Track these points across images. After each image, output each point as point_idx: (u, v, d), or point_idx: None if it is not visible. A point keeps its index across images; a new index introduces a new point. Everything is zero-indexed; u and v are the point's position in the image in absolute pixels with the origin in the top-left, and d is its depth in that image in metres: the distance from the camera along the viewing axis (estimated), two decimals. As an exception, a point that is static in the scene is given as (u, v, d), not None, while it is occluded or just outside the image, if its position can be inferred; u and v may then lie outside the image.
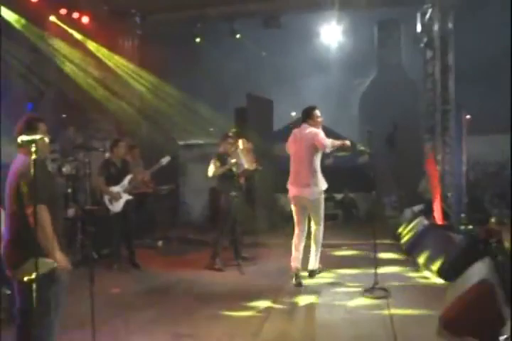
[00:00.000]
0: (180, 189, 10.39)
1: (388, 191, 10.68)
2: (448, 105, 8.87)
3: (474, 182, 10.30)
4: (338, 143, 5.76)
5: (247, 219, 7.57)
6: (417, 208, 8.93)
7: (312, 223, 5.83)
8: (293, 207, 5.84)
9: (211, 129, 11.82)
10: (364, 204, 11.10)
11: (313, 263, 5.97)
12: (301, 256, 5.81)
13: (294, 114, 15.62)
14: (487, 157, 12.05)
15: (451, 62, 8.81)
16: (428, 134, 9.81)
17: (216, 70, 12.97)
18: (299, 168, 5.71)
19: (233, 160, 6.66)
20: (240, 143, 7.07)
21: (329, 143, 5.64)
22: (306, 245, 5.97)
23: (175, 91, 10.47)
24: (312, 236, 5.86)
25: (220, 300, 5.27)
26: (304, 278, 5.95)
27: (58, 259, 3.14)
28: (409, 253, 7.02)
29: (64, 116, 8.10)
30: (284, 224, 9.91)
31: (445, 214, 8.17)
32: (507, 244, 5.62)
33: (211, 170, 6.62)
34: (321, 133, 5.67)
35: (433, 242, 6.63)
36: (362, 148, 6.32)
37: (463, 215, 8.16)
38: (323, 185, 5.71)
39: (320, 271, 6.07)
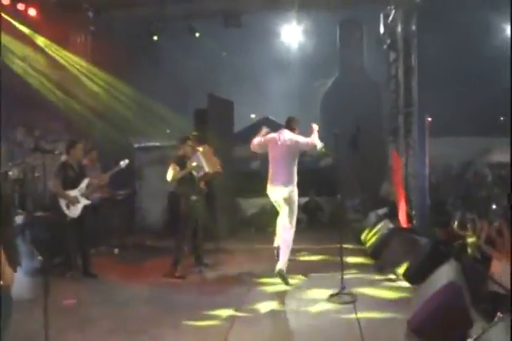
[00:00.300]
0: (137, 193, 10.21)
1: (351, 194, 10.64)
2: (411, 107, 8.92)
3: (437, 185, 10.35)
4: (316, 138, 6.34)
5: (208, 225, 7.53)
6: (381, 211, 9.04)
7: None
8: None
9: (168, 131, 11.72)
10: (328, 208, 11.14)
11: (284, 263, 6.12)
12: None
13: (253, 116, 15.81)
14: (449, 159, 12.23)
15: (414, 64, 8.87)
16: (391, 136, 9.96)
17: (175, 69, 12.85)
18: (278, 169, 6.23)
19: (194, 164, 6.68)
20: (201, 148, 7.11)
21: (316, 141, 6.29)
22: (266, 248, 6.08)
23: (130, 91, 10.34)
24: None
25: (181, 309, 5.23)
26: (269, 284, 6.03)
27: (5, 275, 3.06)
28: (375, 257, 7.11)
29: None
30: (245, 229, 10.26)
31: (409, 217, 8.31)
32: (470, 247, 5.82)
33: (170, 174, 6.60)
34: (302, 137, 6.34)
35: (398, 246, 6.73)
36: (323, 150, 6.45)
37: (427, 218, 8.19)
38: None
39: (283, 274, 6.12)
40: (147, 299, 5.65)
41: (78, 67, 10.01)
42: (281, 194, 6.20)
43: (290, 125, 6.41)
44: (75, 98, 9.70)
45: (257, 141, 6.42)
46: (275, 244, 6.38)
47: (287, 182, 6.16)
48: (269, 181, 6.28)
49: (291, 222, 6.21)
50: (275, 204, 6.39)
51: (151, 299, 5.65)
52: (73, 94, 9.71)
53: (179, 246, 6.64)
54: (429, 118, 8.92)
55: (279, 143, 6.26)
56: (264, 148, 6.37)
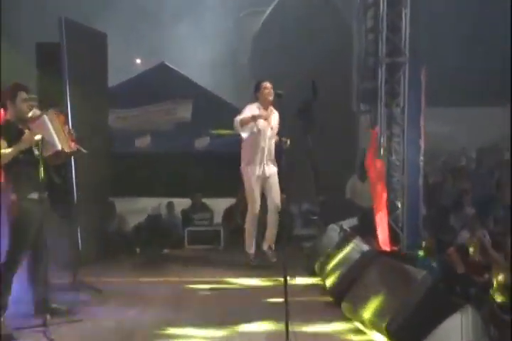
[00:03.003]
0: None
1: (299, 196, 10.89)
2: (400, 56, 8.86)
3: (435, 183, 10.61)
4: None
5: (59, 242, 7.36)
6: (347, 223, 9.11)
7: (274, 202, 8.62)
8: (253, 187, 8.59)
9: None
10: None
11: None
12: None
13: (138, 61, 16.98)
14: (450, 142, 13.09)
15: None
16: (365, 103, 9.76)
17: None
18: (271, 147, 8.62)
19: (37, 136, 6.28)
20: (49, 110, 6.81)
21: (237, 120, 8.37)
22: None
23: None
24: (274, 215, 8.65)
25: None
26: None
27: None
28: (340, 299, 6.77)
29: None
30: (123, 249, 10.16)
31: (394, 234, 8.46)
32: (500, 285, 6.04)
33: None
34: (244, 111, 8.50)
35: (378, 281, 6.44)
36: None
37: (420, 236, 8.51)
38: None
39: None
40: None
41: None
42: (274, 172, 8.50)
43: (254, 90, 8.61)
44: None
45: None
46: (264, 247, 8.73)
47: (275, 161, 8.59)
48: (258, 159, 8.47)
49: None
50: (255, 188, 8.54)
51: None
52: None
53: (5, 280, 6.27)
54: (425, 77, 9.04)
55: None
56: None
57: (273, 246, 8.65)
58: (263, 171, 8.38)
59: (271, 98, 8.19)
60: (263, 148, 8.34)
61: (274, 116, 8.36)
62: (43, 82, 8.51)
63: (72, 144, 6.83)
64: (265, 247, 8.70)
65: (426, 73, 8.88)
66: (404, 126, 8.81)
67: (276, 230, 8.56)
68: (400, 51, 8.91)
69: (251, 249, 8.68)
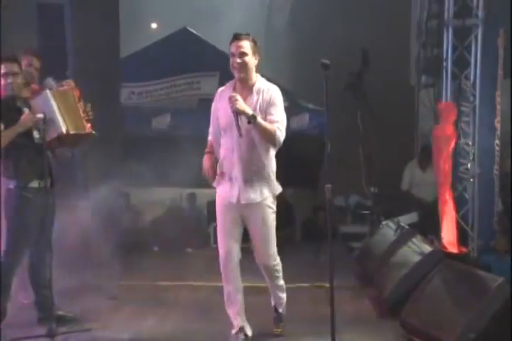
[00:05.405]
0: None
1: (346, 186, 10.84)
2: (471, 17, 8.78)
3: None
4: None
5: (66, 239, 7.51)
6: (405, 220, 9.10)
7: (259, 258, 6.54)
8: (222, 219, 6.47)
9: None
10: (300, 212, 11.74)
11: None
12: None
13: (154, 26, 17.03)
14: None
15: None
16: (426, 75, 9.92)
17: None
18: None
19: (39, 115, 6.32)
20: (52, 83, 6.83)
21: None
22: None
23: None
24: None
25: None
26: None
27: None
28: (397, 310, 6.78)
29: None
30: (142, 245, 10.39)
31: (462, 233, 8.47)
32: None
33: None
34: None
35: (444, 289, 6.44)
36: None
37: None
38: None
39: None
40: None
41: None
42: (259, 198, 6.45)
43: None
44: None
45: None
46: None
47: None
48: (226, 175, 6.31)
49: None
50: (224, 221, 6.48)
51: None
52: None
53: (4, 283, 6.36)
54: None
55: None
56: None
57: (282, 309, 6.58)
58: (237, 196, 5.93)
59: (239, 74, 5.84)
60: (234, 156, 5.90)
61: (252, 100, 5.88)
62: (44, 49, 8.45)
63: (88, 126, 6.82)
64: (273, 305, 6.64)
65: (504, 38, 8.69)
66: (476, 103, 8.69)
67: (282, 293, 6.59)
68: (470, 11, 8.83)
69: (236, 320, 6.19)
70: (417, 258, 7.38)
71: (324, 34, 12.87)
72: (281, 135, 5.84)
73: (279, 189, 6.24)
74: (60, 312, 6.76)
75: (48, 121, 6.41)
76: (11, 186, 6.50)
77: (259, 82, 5.95)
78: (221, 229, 6.18)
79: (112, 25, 10.08)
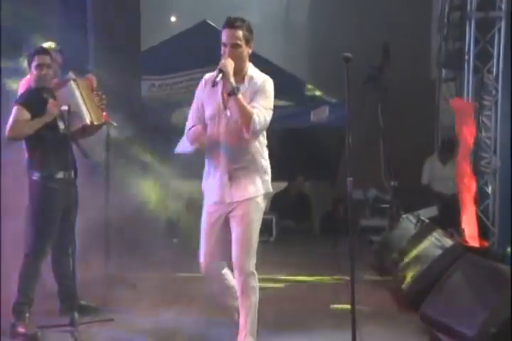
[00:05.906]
0: None
1: (367, 179, 10.89)
2: (494, 9, 8.75)
3: None
4: None
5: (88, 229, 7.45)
6: (425, 213, 9.07)
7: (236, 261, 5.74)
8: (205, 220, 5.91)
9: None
10: (319, 204, 11.94)
11: None
12: None
13: (174, 19, 16.92)
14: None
15: None
16: (448, 69, 10.02)
17: None
18: None
19: (64, 107, 6.36)
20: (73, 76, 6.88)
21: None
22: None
23: None
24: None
25: None
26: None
27: None
28: (417, 304, 6.69)
29: None
30: (162, 236, 10.25)
31: (483, 227, 8.45)
32: None
33: (14, 127, 6.38)
34: None
35: (465, 284, 6.36)
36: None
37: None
38: None
39: None
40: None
41: None
42: (245, 196, 5.92)
43: None
44: None
45: None
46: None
47: None
48: (211, 169, 5.83)
49: None
50: (206, 222, 5.98)
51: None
52: None
53: (29, 270, 6.36)
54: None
55: None
56: None
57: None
58: (221, 195, 5.49)
59: (229, 66, 5.33)
60: (219, 148, 5.50)
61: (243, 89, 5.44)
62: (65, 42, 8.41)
63: (104, 115, 6.89)
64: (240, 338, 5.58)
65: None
66: (498, 97, 8.71)
67: (251, 316, 5.54)
68: (494, 3, 8.81)
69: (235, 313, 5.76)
70: (437, 252, 7.41)
71: (343, 29, 12.77)
72: (258, 122, 5.25)
73: (269, 188, 5.64)
74: (83, 302, 6.84)
75: (73, 112, 6.46)
76: (35, 177, 6.54)
77: (250, 71, 5.62)
78: (203, 231, 5.61)
79: (132, 19, 10.21)
